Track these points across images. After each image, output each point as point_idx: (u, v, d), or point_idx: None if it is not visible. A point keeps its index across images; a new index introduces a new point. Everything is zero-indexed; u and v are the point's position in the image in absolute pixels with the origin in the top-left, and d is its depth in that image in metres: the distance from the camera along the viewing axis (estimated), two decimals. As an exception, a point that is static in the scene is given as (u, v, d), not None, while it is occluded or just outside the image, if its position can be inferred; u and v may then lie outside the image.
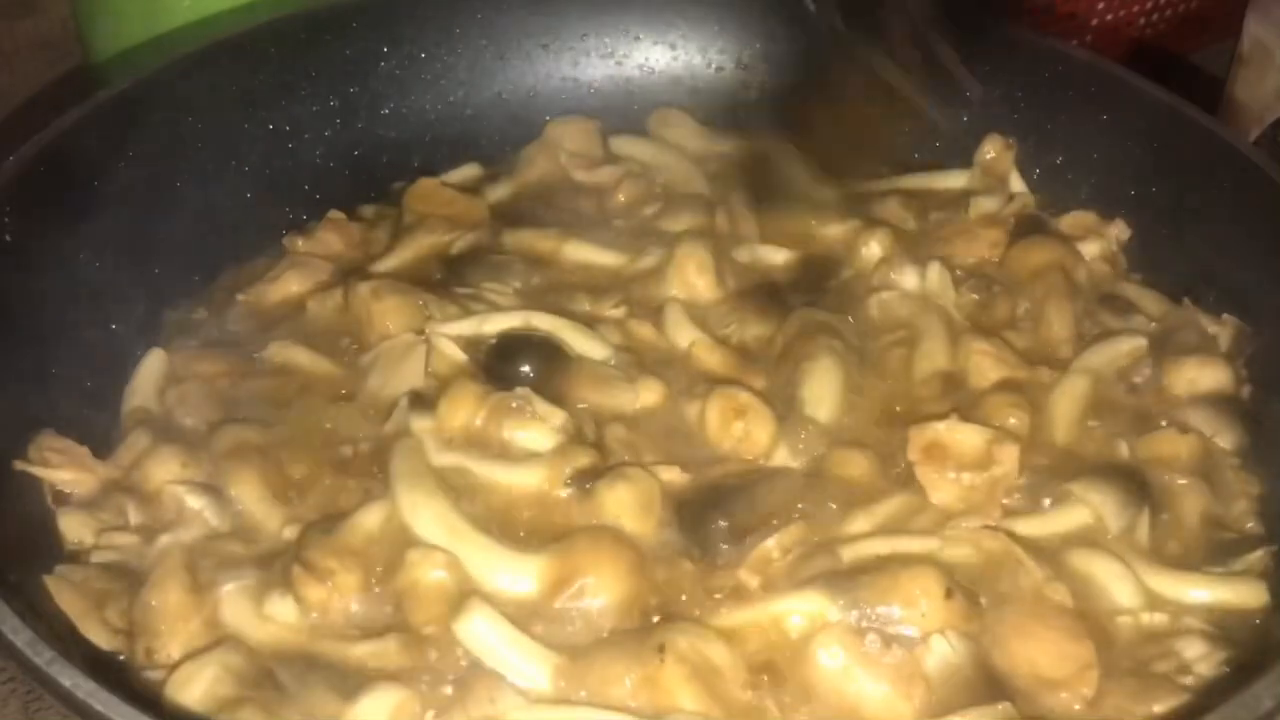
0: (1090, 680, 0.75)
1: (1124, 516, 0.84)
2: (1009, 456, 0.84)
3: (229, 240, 1.05)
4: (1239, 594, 0.82)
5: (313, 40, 1.11)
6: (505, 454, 0.86)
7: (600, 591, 0.78)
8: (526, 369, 0.91)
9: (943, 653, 0.75)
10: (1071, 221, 1.07)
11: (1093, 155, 1.08)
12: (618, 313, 0.98)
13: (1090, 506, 0.84)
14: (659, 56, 1.22)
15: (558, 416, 0.87)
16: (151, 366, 0.95)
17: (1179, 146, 1.02)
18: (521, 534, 0.82)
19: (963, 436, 0.84)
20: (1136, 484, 0.86)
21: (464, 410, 0.87)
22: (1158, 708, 0.74)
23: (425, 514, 0.81)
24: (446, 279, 1.00)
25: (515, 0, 1.18)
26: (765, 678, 0.76)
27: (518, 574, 0.79)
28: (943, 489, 0.84)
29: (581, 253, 1.04)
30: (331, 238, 1.06)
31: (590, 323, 0.96)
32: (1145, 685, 0.76)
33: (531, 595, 0.79)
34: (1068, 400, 0.92)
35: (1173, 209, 1.03)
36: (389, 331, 0.94)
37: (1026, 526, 0.83)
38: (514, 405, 0.87)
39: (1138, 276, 1.04)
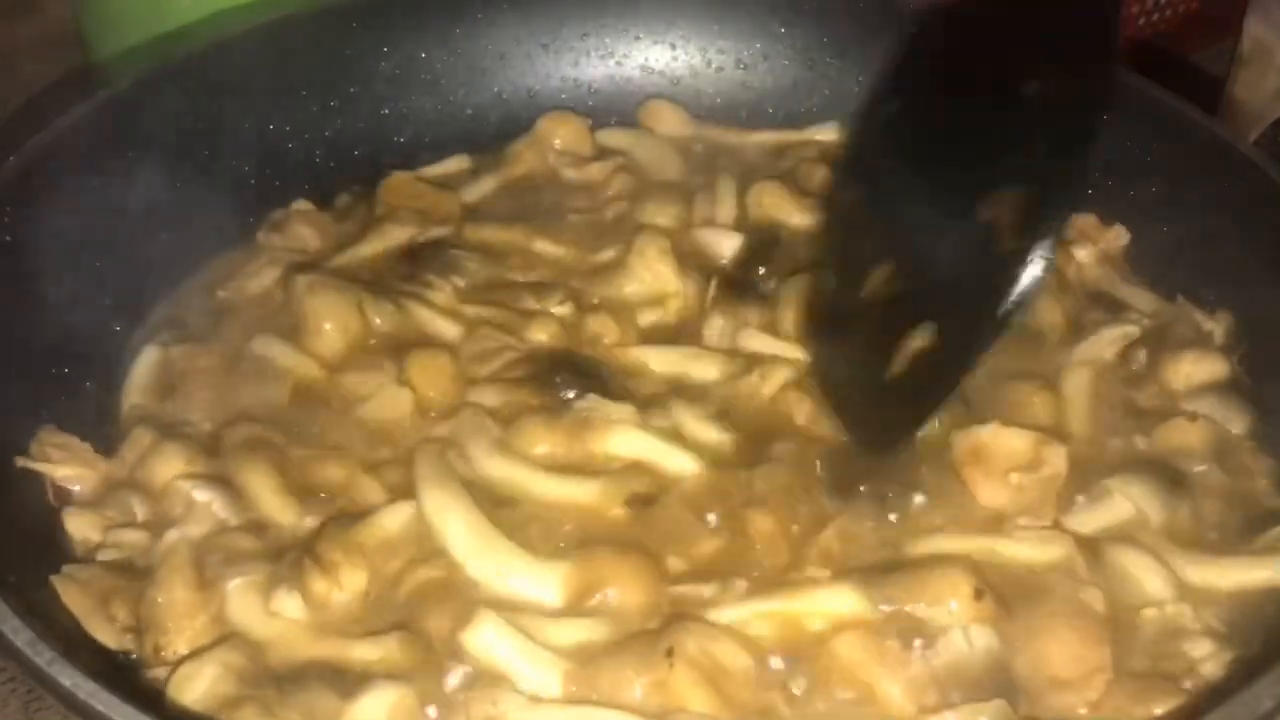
0: (1098, 685, 0.75)
1: (1166, 508, 0.85)
2: (1057, 457, 0.85)
3: (230, 239, 1.05)
4: (1274, 572, 0.82)
5: (313, 40, 1.11)
6: (589, 466, 0.86)
7: (623, 601, 0.78)
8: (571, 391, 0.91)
9: (958, 646, 0.76)
10: (1071, 224, 1.06)
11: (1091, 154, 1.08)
12: (563, 310, 0.98)
13: (1131, 500, 0.85)
14: (659, 56, 1.22)
15: (626, 409, 0.88)
16: (147, 363, 0.95)
17: (1179, 146, 1.02)
18: (561, 545, 0.82)
19: (1007, 440, 0.85)
20: (1170, 475, 0.87)
21: (541, 440, 0.87)
22: (1157, 709, 0.74)
23: (451, 517, 0.81)
24: (404, 271, 1.01)
25: (515, 0, 1.18)
26: (782, 667, 0.76)
27: (540, 582, 0.80)
28: (990, 491, 0.84)
29: (544, 248, 1.05)
30: (302, 229, 1.06)
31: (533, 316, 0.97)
32: (1146, 686, 0.76)
33: (554, 604, 0.79)
34: (1076, 393, 0.93)
35: (1172, 209, 1.03)
36: (323, 328, 0.94)
37: (1073, 522, 0.84)
38: (585, 417, 0.87)
39: (1136, 277, 1.04)
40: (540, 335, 0.96)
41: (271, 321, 0.97)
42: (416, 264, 1.01)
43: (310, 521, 0.83)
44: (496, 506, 0.83)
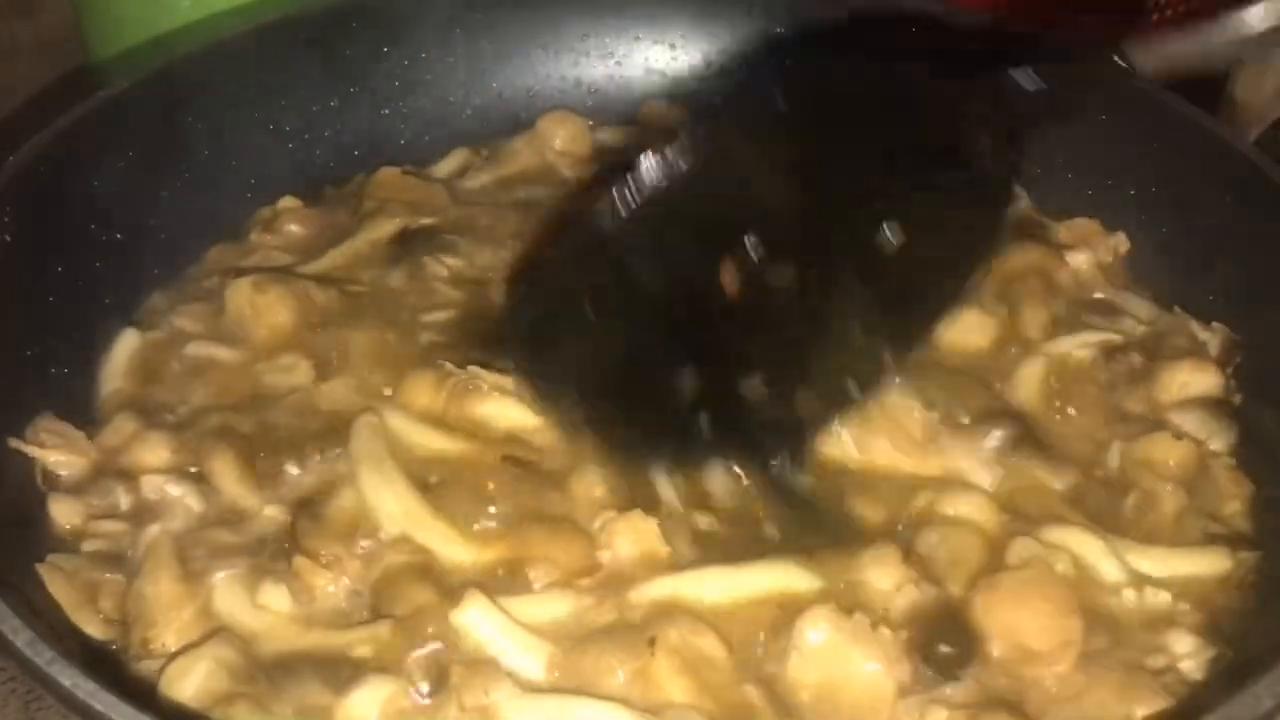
0: (1067, 657, 0.76)
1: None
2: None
3: (230, 238, 1.05)
4: (1201, 563, 0.83)
5: (313, 40, 1.11)
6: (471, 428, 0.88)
7: (553, 576, 0.80)
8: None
9: (911, 597, 0.77)
10: (1071, 229, 1.06)
11: (1092, 155, 1.08)
12: None
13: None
14: (659, 56, 1.22)
15: (506, 380, 0.89)
16: (124, 348, 0.95)
17: (1179, 146, 1.02)
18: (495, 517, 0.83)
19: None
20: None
21: (424, 396, 0.88)
22: (1140, 710, 0.74)
23: (387, 499, 0.82)
24: (395, 254, 1.01)
25: (515, 0, 1.18)
26: (761, 653, 0.76)
27: (473, 559, 0.81)
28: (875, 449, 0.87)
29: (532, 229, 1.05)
30: (293, 227, 1.06)
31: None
32: (1131, 683, 0.75)
33: (487, 579, 0.80)
34: (1024, 378, 0.94)
35: (1172, 209, 1.03)
36: (279, 324, 0.94)
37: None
38: (471, 386, 0.88)
39: (1133, 282, 1.04)
40: (497, 295, 0.97)
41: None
42: (408, 248, 1.02)
43: (271, 510, 0.83)
44: (428, 472, 0.84)
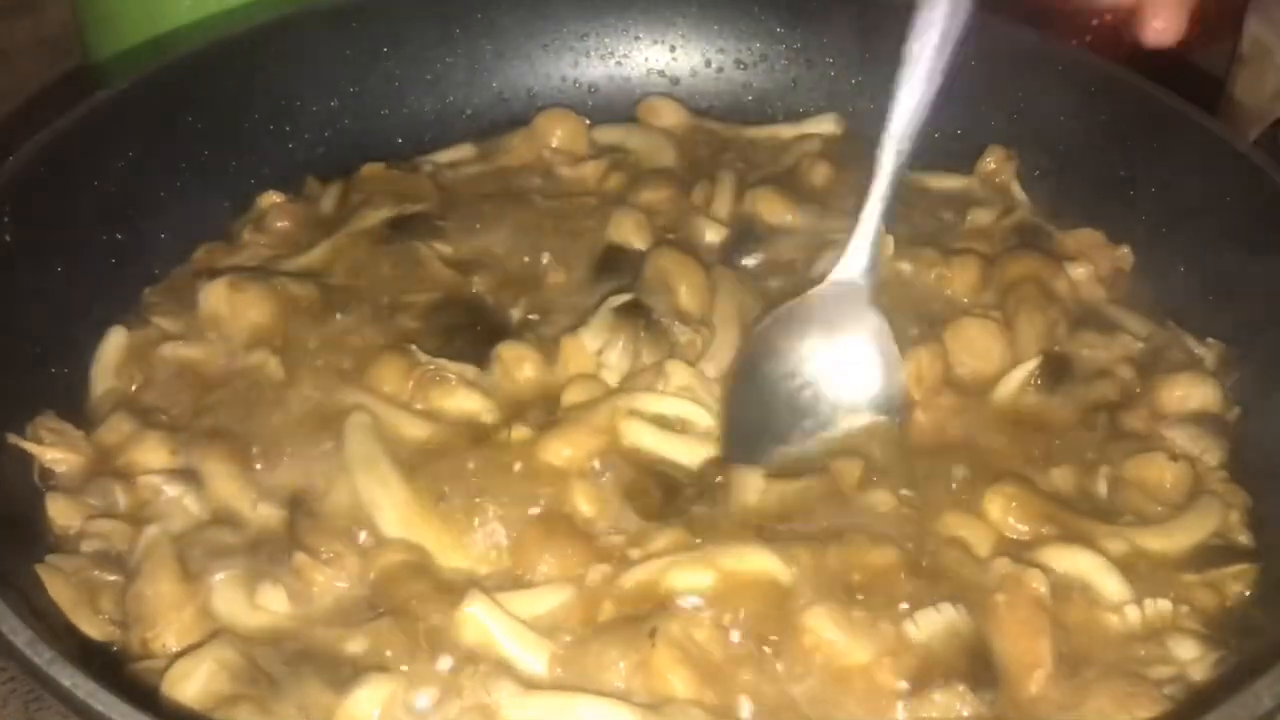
0: (1037, 680, 0.76)
1: None
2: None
3: (229, 237, 1.05)
4: (1199, 525, 0.85)
5: (313, 40, 1.11)
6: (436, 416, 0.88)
7: (554, 576, 0.80)
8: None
9: (933, 620, 0.76)
10: (1076, 239, 1.05)
11: (1092, 156, 1.08)
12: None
13: None
14: (659, 57, 1.22)
15: (470, 371, 0.90)
16: (113, 345, 0.94)
17: (1179, 147, 1.02)
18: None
19: None
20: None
21: (391, 381, 0.89)
22: (1140, 714, 0.74)
23: (384, 503, 0.82)
24: (385, 238, 1.02)
25: (515, 0, 1.18)
26: (766, 647, 0.76)
27: (472, 558, 0.81)
28: None
29: (523, 219, 1.05)
30: (282, 224, 1.05)
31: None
32: (1133, 691, 0.75)
33: (487, 576, 0.81)
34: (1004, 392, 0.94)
35: (1172, 210, 1.03)
36: (258, 322, 0.94)
37: None
38: (438, 377, 0.89)
39: (1132, 293, 1.03)
40: (480, 283, 0.98)
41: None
42: (399, 232, 1.02)
43: (265, 509, 0.83)
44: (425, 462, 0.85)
